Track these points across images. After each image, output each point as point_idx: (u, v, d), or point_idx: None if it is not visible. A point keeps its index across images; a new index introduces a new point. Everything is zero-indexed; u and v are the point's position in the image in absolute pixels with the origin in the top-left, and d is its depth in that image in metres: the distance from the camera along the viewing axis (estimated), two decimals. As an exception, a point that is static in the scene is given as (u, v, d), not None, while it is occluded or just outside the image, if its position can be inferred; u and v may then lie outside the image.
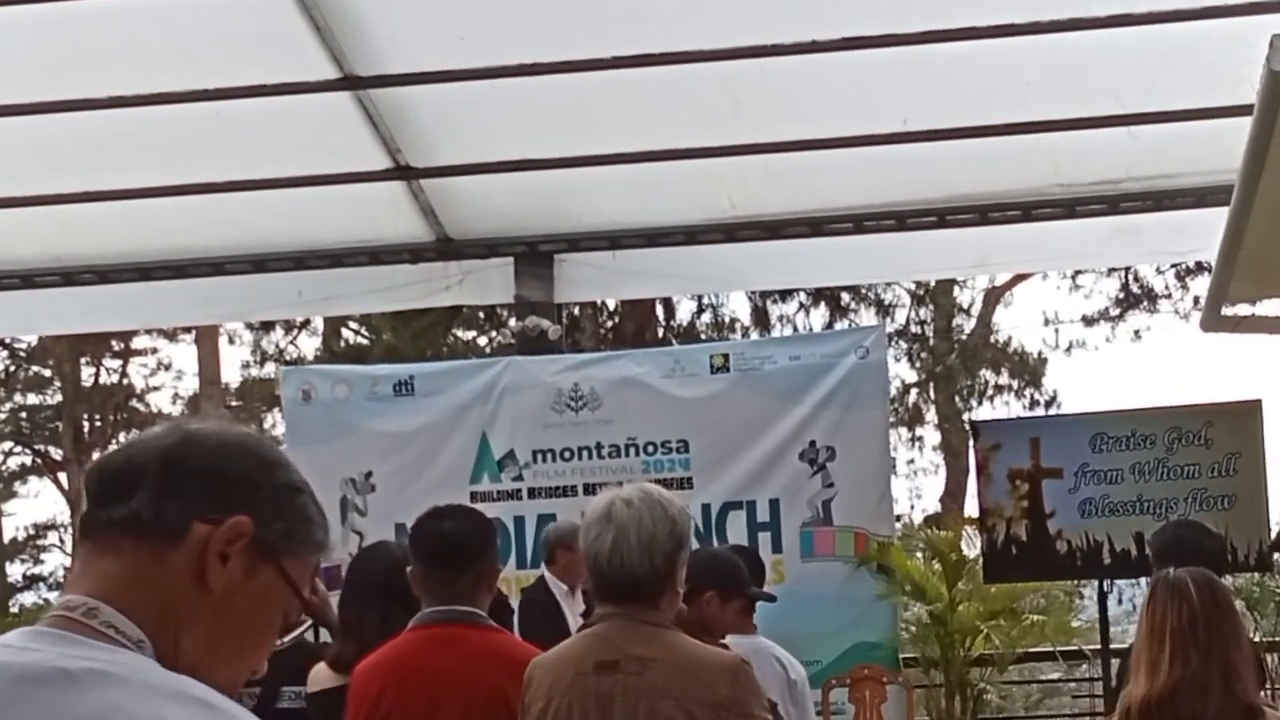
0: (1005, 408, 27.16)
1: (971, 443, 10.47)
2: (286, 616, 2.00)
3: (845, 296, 25.40)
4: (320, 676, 5.26)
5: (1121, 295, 26.88)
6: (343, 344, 28.53)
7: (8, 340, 34.19)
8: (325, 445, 10.40)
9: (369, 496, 10.36)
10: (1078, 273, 25.58)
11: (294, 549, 1.98)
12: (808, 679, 9.08)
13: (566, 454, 10.25)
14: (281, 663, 5.49)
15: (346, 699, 4.88)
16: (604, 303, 23.64)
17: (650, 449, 10.22)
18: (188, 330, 29.82)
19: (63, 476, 36.86)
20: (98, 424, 38.00)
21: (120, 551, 1.89)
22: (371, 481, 10.38)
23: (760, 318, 25.70)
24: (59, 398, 37.48)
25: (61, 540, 38.00)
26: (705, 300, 25.36)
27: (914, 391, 28.14)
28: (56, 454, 37.62)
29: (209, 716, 1.75)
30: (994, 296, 27.81)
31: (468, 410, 10.37)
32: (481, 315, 24.68)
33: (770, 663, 6.58)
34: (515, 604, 8.70)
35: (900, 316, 26.86)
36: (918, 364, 27.68)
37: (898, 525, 12.19)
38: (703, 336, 25.50)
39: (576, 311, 23.34)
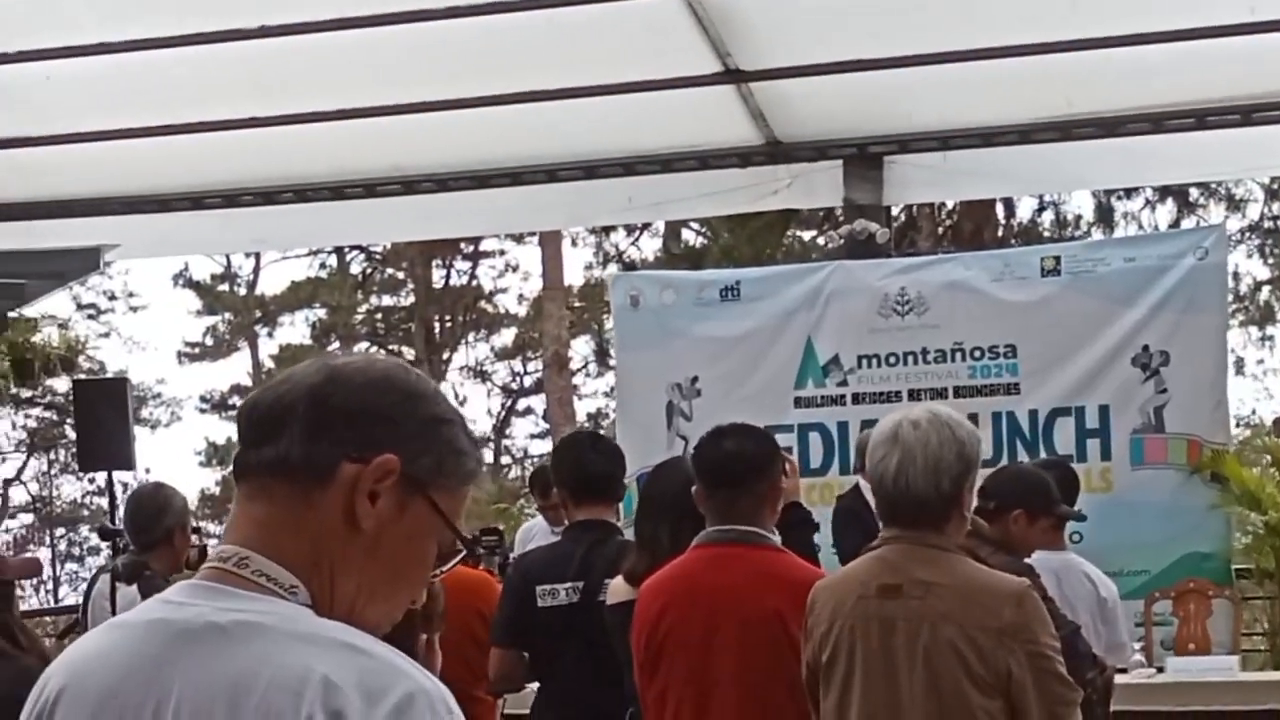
0: (1365, 306, 26.07)
1: (1320, 346, 10.07)
2: (441, 548, 1.98)
3: (1193, 192, 24.60)
4: (617, 590, 5.35)
5: None
6: (682, 245, 28.80)
7: (363, 244, 35.28)
8: (653, 350, 10.53)
9: (695, 401, 10.44)
10: None
11: (444, 482, 1.95)
12: (1136, 588, 8.94)
13: (892, 359, 10.17)
14: (606, 558, 5.69)
15: None
16: (941, 201, 23.34)
17: (977, 354, 10.08)
18: (533, 232, 30.39)
19: (415, 376, 38.03)
20: (448, 324, 39.13)
21: (270, 495, 1.90)
22: (698, 386, 10.46)
23: (1104, 215, 25.07)
24: (411, 299, 38.67)
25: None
26: (1046, 198, 24.84)
27: (1265, 289, 27.17)
28: (409, 354, 38.83)
29: (355, 660, 1.78)
30: (1355, 189, 26.61)
31: (794, 315, 10.36)
32: (820, 213, 24.62)
33: (1080, 580, 6.45)
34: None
35: (1253, 211, 25.91)
36: (1270, 260, 26.69)
37: (1242, 429, 11.82)
38: (1045, 235, 25.02)
39: (914, 210, 23.10)
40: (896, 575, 4.04)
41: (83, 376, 14.85)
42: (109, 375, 24.56)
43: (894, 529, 4.10)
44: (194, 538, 6.84)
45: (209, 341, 40.97)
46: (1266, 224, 26.12)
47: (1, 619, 5.24)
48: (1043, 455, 9.43)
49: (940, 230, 24.46)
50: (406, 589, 1.97)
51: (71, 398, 13.82)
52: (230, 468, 2.02)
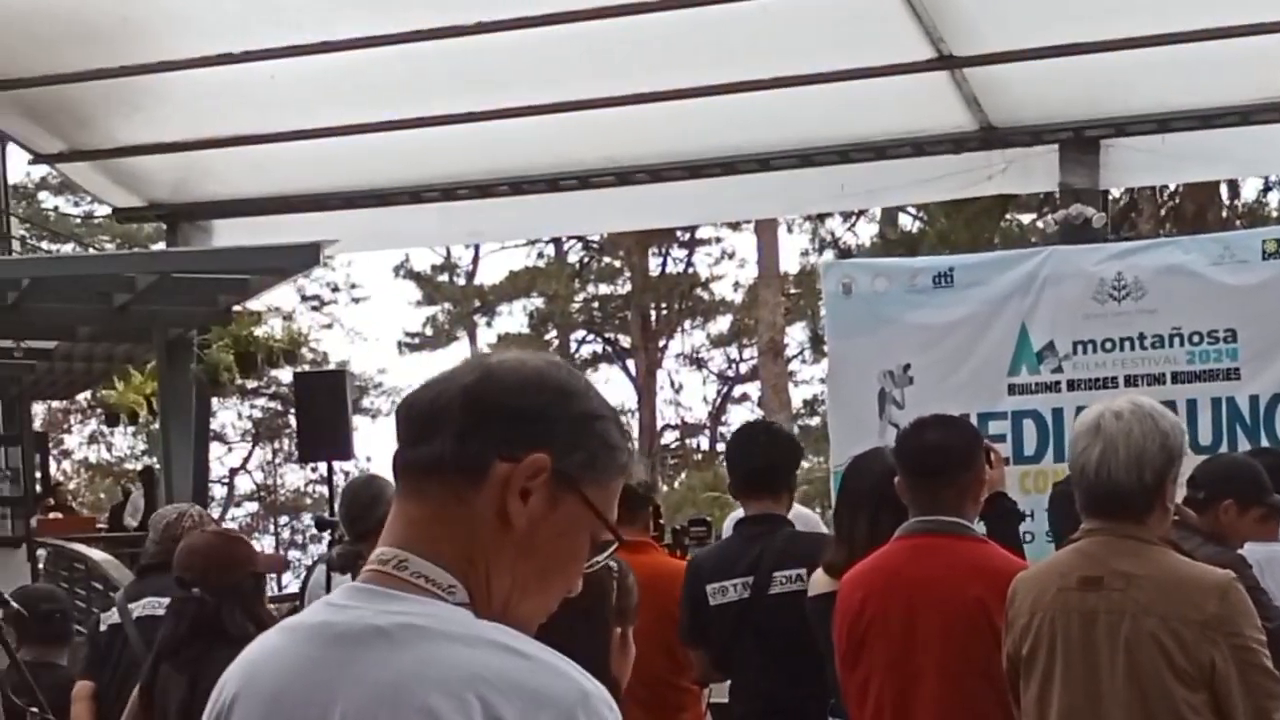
0: None
1: None
2: (594, 540, 1.99)
3: None
4: (818, 581, 5.37)
5: None
6: (898, 231, 28.66)
7: (581, 234, 35.60)
8: (865, 338, 10.46)
9: (906, 390, 10.35)
10: None
11: (595, 477, 1.97)
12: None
13: (1108, 345, 9.99)
14: (773, 551, 5.73)
15: None
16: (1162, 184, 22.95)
17: (1195, 339, 9.86)
18: (749, 220, 30.46)
19: (630, 363, 38.36)
20: (664, 312, 39.35)
21: (425, 495, 1.94)
22: (910, 374, 10.37)
23: (1333, 194, 24.47)
24: (628, 287, 38.94)
25: (629, 425, 39.52)
26: (1272, 178, 24.30)
27: None
28: (625, 341, 39.16)
29: (516, 663, 1.82)
30: None
31: (1007, 301, 10.22)
32: (1040, 196, 24.34)
33: (1283, 572, 6.27)
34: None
35: None
36: None
37: None
38: (1271, 216, 24.47)
39: (1135, 193, 22.74)
40: (1097, 567, 4.00)
41: (304, 368, 15.22)
42: (329, 367, 25.11)
43: (1095, 521, 4.05)
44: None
45: (429, 331, 41.65)
46: None
47: (254, 609, 5.47)
48: (1263, 442, 9.20)
49: (1162, 212, 24.02)
50: (560, 583, 1.99)
51: (293, 389, 14.18)
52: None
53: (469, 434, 1.91)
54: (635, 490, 6.75)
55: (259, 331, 13.16)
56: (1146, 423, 3.99)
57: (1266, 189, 24.99)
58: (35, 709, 5.68)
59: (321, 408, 11.93)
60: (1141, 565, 3.97)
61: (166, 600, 6.52)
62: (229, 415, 41.74)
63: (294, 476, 44.37)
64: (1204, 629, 3.86)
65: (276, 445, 44.35)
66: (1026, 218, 26.70)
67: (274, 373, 16.98)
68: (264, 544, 38.38)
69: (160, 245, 15.78)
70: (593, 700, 1.82)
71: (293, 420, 40.91)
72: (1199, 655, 3.86)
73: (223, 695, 2.02)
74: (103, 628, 6.86)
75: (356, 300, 41.97)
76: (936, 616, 4.66)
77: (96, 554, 14.82)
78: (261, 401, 42.43)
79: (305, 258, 11.52)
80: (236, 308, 12.93)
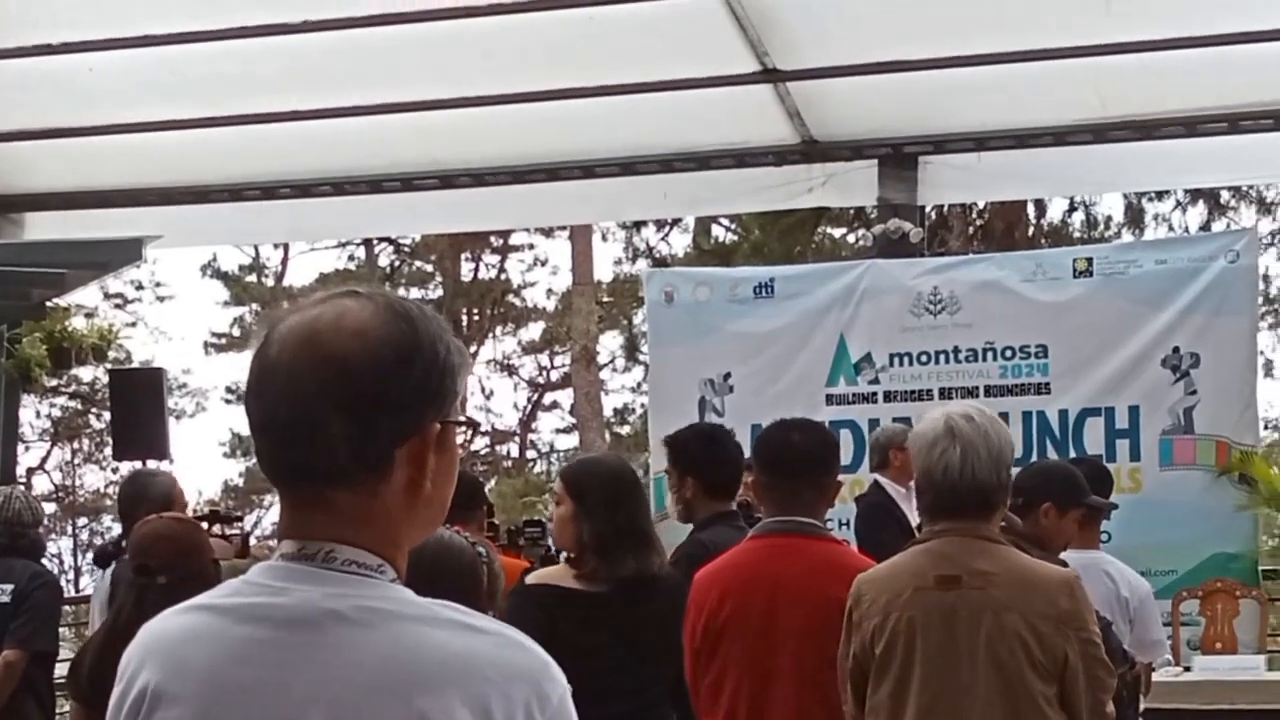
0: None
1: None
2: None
3: (1224, 194, 24.57)
4: (548, 574, 5.33)
5: None
6: (712, 241, 28.81)
7: (394, 237, 35.32)
8: (686, 346, 10.59)
9: (727, 398, 10.50)
10: None
11: (457, 399, 1.97)
12: (1163, 588, 8.96)
13: (924, 357, 10.23)
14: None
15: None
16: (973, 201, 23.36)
17: (1008, 353, 10.14)
18: (563, 227, 30.43)
19: (443, 369, 38.14)
20: (475, 318, 39.20)
21: (331, 501, 1.89)
22: (730, 383, 10.51)
23: (1134, 216, 25.05)
24: (440, 292, 38.72)
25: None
26: (1077, 199, 24.84)
27: (1291, 292, 27.10)
28: (437, 347, 38.93)
29: (481, 640, 1.85)
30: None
31: (827, 313, 10.41)
32: (851, 212, 24.64)
33: (1100, 579, 6.42)
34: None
35: (1282, 215, 25.85)
36: (1297, 264, 26.62)
37: (1271, 432, 11.86)
38: (1076, 236, 25.01)
39: (945, 209, 23.11)
40: (953, 566, 4.14)
41: (117, 365, 14.89)
42: (143, 365, 24.58)
43: (944, 522, 4.18)
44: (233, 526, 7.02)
45: (235, 332, 41.03)
46: (1295, 226, 26.09)
47: None
48: (1072, 455, 9.48)
49: (971, 230, 24.45)
50: (446, 506, 2.01)
51: (98, 387, 13.92)
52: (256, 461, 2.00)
53: (365, 440, 1.88)
54: (471, 489, 6.79)
55: (70, 327, 12.87)
56: (995, 425, 4.20)
57: (1072, 209, 25.54)
58: None
59: (137, 406, 11.72)
60: (995, 563, 4.12)
61: (9, 587, 6.54)
62: (26, 414, 40.72)
63: (94, 477, 43.42)
64: (1058, 624, 4.04)
65: (76, 445, 43.39)
66: (839, 232, 27.01)
67: (75, 371, 16.56)
68: (62, 546, 37.55)
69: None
70: (551, 668, 1.87)
71: (94, 420, 40.12)
72: (1054, 649, 4.05)
73: (138, 682, 1.94)
74: None
75: (161, 299, 41.21)
76: (797, 615, 4.71)
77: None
78: (61, 400, 41.48)
79: (127, 253, 11.32)
80: (49, 303, 12.64)
